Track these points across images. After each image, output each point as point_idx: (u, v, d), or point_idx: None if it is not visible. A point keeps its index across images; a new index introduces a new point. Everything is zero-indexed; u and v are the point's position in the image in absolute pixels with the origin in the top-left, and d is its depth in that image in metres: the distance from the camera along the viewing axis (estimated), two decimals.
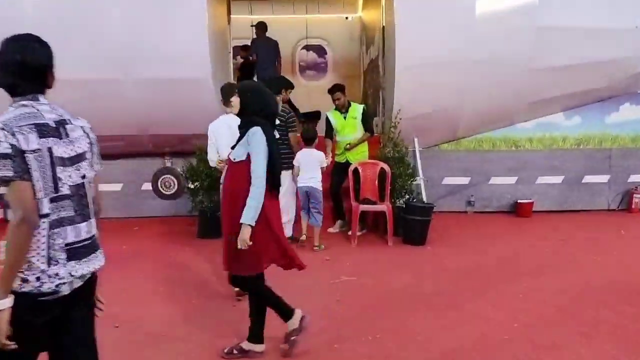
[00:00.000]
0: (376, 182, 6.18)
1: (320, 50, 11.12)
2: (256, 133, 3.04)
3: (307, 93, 10.44)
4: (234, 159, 3.11)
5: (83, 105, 6.71)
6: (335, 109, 6.49)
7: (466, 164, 7.83)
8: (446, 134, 7.66)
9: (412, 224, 5.99)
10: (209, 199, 6.29)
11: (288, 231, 5.95)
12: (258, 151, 3.01)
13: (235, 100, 3.29)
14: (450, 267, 5.16)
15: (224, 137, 4.43)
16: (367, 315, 3.91)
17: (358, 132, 6.41)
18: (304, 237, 5.92)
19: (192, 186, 6.30)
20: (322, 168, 5.93)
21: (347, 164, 6.34)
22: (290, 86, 6.25)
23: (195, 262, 5.38)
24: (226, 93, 4.59)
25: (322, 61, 11.15)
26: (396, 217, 6.06)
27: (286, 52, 10.69)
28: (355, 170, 6.22)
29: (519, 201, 7.71)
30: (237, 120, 4.58)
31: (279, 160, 3.22)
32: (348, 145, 6.38)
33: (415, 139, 7.28)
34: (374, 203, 6.08)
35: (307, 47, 11.07)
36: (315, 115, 9.90)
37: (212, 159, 4.74)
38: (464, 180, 7.85)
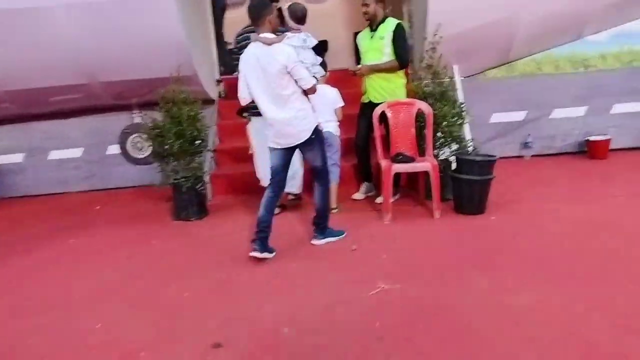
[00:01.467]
0: (413, 129, 4.45)
1: None
2: None
3: (309, 19, 8.49)
4: None
5: None
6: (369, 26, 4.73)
7: (521, 94, 6.11)
8: (495, 55, 5.85)
9: (467, 186, 4.27)
10: (184, 167, 4.64)
11: (293, 188, 4.51)
12: None
13: None
14: (536, 251, 3.44)
15: (251, 70, 3.55)
16: None
17: (384, 58, 4.57)
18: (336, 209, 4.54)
19: (160, 150, 4.62)
20: (335, 110, 4.42)
21: (373, 104, 4.61)
22: None
23: (157, 268, 3.69)
24: (255, 9, 3.51)
25: None
26: (442, 176, 4.39)
27: None
28: (383, 115, 4.50)
29: (590, 138, 6.00)
30: (263, 49, 3.46)
31: None
32: (354, 71, 4.69)
33: (455, 66, 5.54)
34: (412, 159, 4.36)
35: None
36: (320, 46, 8.05)
37: (242, 96, 3.74)
38: (519, 116, 6.14)
